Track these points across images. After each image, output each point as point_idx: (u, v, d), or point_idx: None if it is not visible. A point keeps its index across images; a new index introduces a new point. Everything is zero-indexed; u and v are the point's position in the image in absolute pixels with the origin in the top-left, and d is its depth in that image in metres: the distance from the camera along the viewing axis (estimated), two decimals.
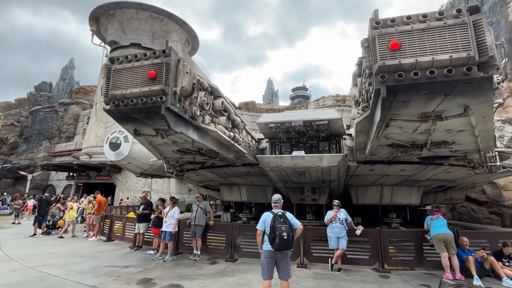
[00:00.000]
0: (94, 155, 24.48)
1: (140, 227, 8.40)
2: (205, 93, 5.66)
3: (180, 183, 26.74)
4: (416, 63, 3.36)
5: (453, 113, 4.36)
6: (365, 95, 4.56)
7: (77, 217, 15.08)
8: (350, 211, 7.46)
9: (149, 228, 8.41)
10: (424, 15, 3.51)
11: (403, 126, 5.24)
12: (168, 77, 4.35)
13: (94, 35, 30.03)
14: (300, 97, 53.07)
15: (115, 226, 10.11)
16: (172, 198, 7.73)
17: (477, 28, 3.33)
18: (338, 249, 6.21)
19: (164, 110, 4.35)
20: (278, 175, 9.73)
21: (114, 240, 9.83)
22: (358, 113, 5.27)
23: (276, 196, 4.48)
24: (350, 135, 9.83)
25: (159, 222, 7.83)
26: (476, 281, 5.36)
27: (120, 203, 20.23)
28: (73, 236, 10.63)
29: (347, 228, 6.33)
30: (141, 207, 8.65)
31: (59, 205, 12.46)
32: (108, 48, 29.80)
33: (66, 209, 11.15)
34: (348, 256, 6.53)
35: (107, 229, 10.30)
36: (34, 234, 10.45)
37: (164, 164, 11.21)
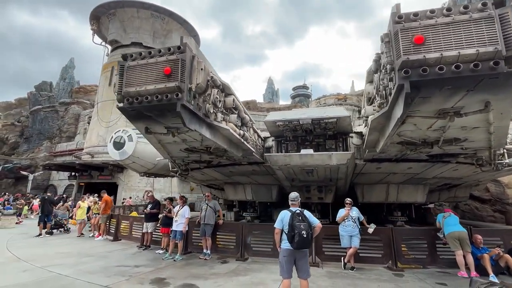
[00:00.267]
0: (96, 155, 24.40)
1: (148, 227, 8.34)
2: (218, 91, 5.59)
3: (182, 183, 26.68)
4: (441, 58, 3.30)
5: (472, 109, 4.31)
6: (383, 91, 4.49)
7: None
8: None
9: (158, 227, 8.34)
10: (448, 9, 3.45)
11: (418, 123, 5.18)
12: (183, 73, 4.28)
13: (95, 34, 29.93)
14: (301, 96, 52.93)
15: (121, 226, 10.04)
16: (182, 197, 7.66)
17: (503, 22, 3.27)
18: (350, 247, 6.16)
19: (180, 107, 4.29)
20: (286, 173, 9.68)
21: (120, 240, 9.76)
22: (374, 109, 5.20)
23: (294, 194, 4.42)
24: (356, 133, 9.78)
25: (167, 221, 7.77)
26: (493, 279, 5.31)
27: (122, 202, 20.15)
28: (79, 236, 10.57)
29: (359, 227, 6.28)
30: (149, 206, 8.58)
31: (66, 205, 12.39)
32: (109, 47, 29.70)
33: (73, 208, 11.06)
34: (360, 254, 6.48)
35: (113, 229, 10.23)
36: (40, 234, 10.38)
37: (169, 163, 11.16)
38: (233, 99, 6.40)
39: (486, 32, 3.24)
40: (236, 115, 6.78)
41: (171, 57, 4.35)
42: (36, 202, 11.91)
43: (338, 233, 6.46)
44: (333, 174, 9.60)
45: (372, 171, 10.02)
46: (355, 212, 6.35)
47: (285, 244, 4.14)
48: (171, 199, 8.31)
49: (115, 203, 21.79)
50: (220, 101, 5.78)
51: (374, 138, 6.72)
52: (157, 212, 8.61)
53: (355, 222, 6.18)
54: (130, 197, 22.02)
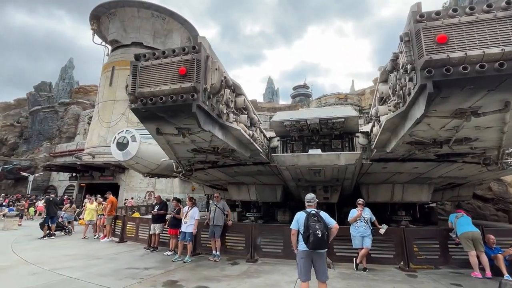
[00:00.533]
0: (97, 155, 24.27)
1: (156, 228, 8.27)
2: (230, 91, 5.54)
3: (183, 183, 26.61)
4: (465, 57, 3.26)
5: (491, 109, 4.27)
6: (400, 91, 4.44)
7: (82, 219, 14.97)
8: None
9: (165, 229, 8.28)
10: (471, 8, 3.41)
11: (432, 123, 5.14)
12: (199, 74, 4.22)
13: (95, 34, 29.76)
14: (302, 96, 52.81)
15: (127, 227, 9.97)
16: (191, 198, 7.59)
17: None
18: (362, 248, 6.12)
19: (196, 108, 4.23)
20: (292, 173, 9.63)
21: (126, 241, 9.69)
22: (389, 109, 5.16)
23: (310, 195, 4.38)
24: (362, 132, 9.75)
25: (175, 222, 7.71)
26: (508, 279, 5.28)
27: (124, 203, 20.06)
28: (84, 237, 10.50)
29: (371, 227, 6.24)
30: (156, 207, 8.51)
31: (74, 206, 12.30)
32: (109, 47, 29.54)
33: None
34: (372, 255, 6.44)
35: (118, 230, 10.16)
36: (44, 236, 10.29)
37: (174, 163, 11.09)
38: (244, 99, 6.35)
39: None
40: (246, 116, 6.73)
41: (186, 57, 4.29)
42: (41, 204, 11.80)
43: (349, 233, 6.42)
44: (341, 174, 9.56)
45: (378, 171, 9.99)
46: (367, 213, 6.31)
47: (302, 246, 4.11)
48: (179, 200, 8.23)
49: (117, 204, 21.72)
50: (232, 101, 5.73)
51: (385, 138, 6.68)
52: (165, 213, 8.54)
53: (367, 223, 6.14)
54: (132, 198, 21.93)
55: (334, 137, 9.93)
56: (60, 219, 11.39)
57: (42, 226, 10.40)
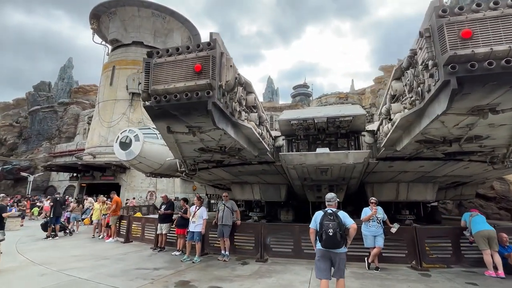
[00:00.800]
0: (98, 155, 24.13)
1: (163, 228, 8.18)
2: (242, 88, 5.47)
3: (185, 183, 26.54)
4: (491, 52, 3.20)
5: (510, 106, 4.22)
6: (418, 88, 4.38)
7: (83, 219, 14.86)
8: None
9: (172, 229, 8.20)
10: (496, 2, 3.36)
11: (446, 121, 5.09)
12: (214, 70, 4.15)
13: (95, 34, 29.61)
14: (302, 95, 52.72)
15: (132, 227, 9.88)
16: (199, 197, 7.52)
17: None
18: (374, 247, 6.06)
19: (211, 105, 4.16)
20: (299, 172, 9.58)
21: (132, 242, 9.60)
22: (405, 107, 5.10)
23: (330, 195, 4.33)
24: (368, 131, 9.70)
25: (183, 222, 7.63)
26: None
27: (126, 203, 19.95)
28: (93, 237, 10.44)
29: (383, 226, 6.18)
30: (163, 207, 8.42)
31: (81, 206, 12.21)
32: (110, 46, 29.39)
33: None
34: (383, 254, 6.38)
35: (123, 230, 10.07)
36: (49, 236, 10.20)
37: (178, 163, 11.01)
38: (254, 97, 6.28)
39: None
40: (256, 114, 6.66)
41: (201, 53, 4.21)
42: (47, 204, 11.70)
43: (360, 232, 6.36)
44: (348, 173, 9.52)
45: (384, 170, 9.96)
46: (380, 212, 6.25)
47: (318, 244, 4.12)
48: (186, 200, 8.15)
49: None
50: (244, 99, 5.66)
51: (396, 136, 6.63)
52: (172, 213, 8.46)
53: (380, 223, 6.08)
54: (134, 198, 21.83)
55: (340, 136, 9.89)
56: (63, 220, 11.30)
57: (45, 226, 10.29)
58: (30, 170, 30.87)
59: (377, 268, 5.99)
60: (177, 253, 7.58)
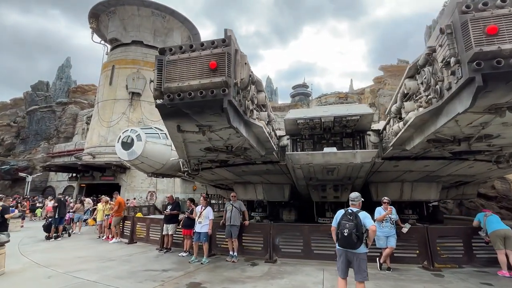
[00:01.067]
0: (97, 155, 23.92)
1: (169, 228, 8.07)
2: (254, 87, 5.38)
3: (185, 183, 26.38)
4: None
5: None
6: (436, 86, 4.31)
7: (86, 219, 14.72)
8: (368, 208, 7.28)
9: (179, 229, 8.08)
10: None
11: (460, 119, 5.02)
12: (230, 68, 4.05)
13: (94, 33, 29.37)
14: (301, 95, 52.66)
15: (136, 228, 9.75)
16: (205, 197, 7.41)
17: None
18: (386, 248, 6.00)
19: (227, 103, 4.06)
20: (305, 172, 9.50)
21: (136, 242, 9.47)
22: (420, 105, 5.03)
23: (354, 194, 4.29)
24: (374, 130, 9.65)
25: (189, 222, 7.52)
26: None
27: (126, 203, 19.76)
28: (99, 237, 10.33)
29: (395, 226, 6.12)
30: (168, 207, 8.31)
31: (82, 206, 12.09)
32: (109, 46, 29.16)
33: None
34: (394, 254, 6.32)
35: (127, 231, 9.94)
36: (51, 237, 10.05)
37: (181, 163, 10.89)
38: (265, 96, 6.19)
39: None
40: (266, 113, 6.57)
41: (216, 50, 4.11)
42: (50, 204, 11.57)
43: None
44: (354, 172, 9.46)
45: (389, 169, 9.92)
46: (394, 212, 6.18)
47: (337, 243, 4.12)
48: (193, 200, 8.03)
49: None
50: (255, 97, 5.57)
51: (407, 135, 6.57)
52: (177, 213, 8.35)
53: (393, 223, 6.02)
54: (134, 198, 21.66)
55: (345, 136, 9.83)
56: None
57: (48, 227, 10.13)
58: (28, 171, 30.57)
59: (389, 268, 5.93)
60: (184, 254, 7.47)
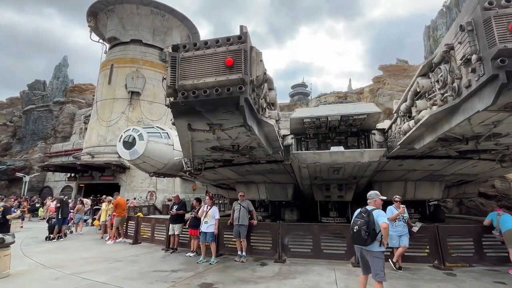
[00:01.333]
0: (96, 155, 23.70)
1: (175, 228, 7.98)
2: (266, 84, 5.31)
3: (184, 182, 26.24)
4: None
5: None
6: (453, 84, 4.27)
7: (86, 219, 14.57)
8: None
9: (185, 229, 8.00)
10: None
11: (473, 118, 4.98)
12: (246, 65, 3.98)
13: (92, 32, 29.09)
14: (300, 94, 52.62)
15: (141, 228, 9.64)
16: (211, 197, 7.34)
17: None
18: (398, 247, 5.96)
19: (243, 101, 3.99)
20: (311, 171, 9.46)
21: (140, 243, 9.37)
22: (435, 103, 4.99)
23: (370, 192, 4.32)
24: (378, 129, 9.62)
25: (196, 222, 7.44)
26: None
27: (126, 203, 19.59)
28: (102, 238, 10.26)
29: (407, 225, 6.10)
30: (174, 207, 8.21)
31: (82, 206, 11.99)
32: (107, 45, 28.90)
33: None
34: (404, 253, 6.29)
35: (131, 231, 9.83)
36: (53, 238, 9.92)
37: (184, 162, 10.79)
38: (275, 94, 6.13)
39: None
40: (276, 111, 6.51)
41: (232, 47, 4.04)
42: (52, 204, 11.44)
43: None
44: (361, 171, 9.43)
45: (394, 168, 9.90)
46: (405, 211, 6.15)
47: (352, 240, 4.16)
48: (199, 200, 7.95)
49: None
50: (267, 95, 5.51)
51: (417, 134, 6.54)
52: (184, 213, 8.26)
53: (405, 222, 5.99)
54: (135, 198, 21.50)
55: (350, 135, 9.79)
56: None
57: (52, 228, 9.99)
58: (25, 171, 30.26)
59: (400, 268, 5.90)
60: (192, 254, 7.39)
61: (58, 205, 9.80)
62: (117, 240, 9.66)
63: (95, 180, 23.50)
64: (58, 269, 6.20)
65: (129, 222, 10.14)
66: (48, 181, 31.27)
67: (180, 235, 8.13)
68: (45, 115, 36.49)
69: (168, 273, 5.84)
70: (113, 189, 23.26)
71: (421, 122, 5.58)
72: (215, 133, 5.65)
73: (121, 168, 22.79)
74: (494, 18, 3.30)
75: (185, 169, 11.21)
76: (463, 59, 3.78)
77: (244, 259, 6.80)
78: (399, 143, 7.67)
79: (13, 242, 6.04)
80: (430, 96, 5.32)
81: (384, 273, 3.95)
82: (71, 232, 11.57)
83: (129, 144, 11.09)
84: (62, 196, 10.92)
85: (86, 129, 29.66)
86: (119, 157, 21.34)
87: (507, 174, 17.08)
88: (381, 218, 4.07)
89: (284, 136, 10.22)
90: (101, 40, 29.58)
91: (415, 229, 6.26)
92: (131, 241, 9.51)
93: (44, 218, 16.70)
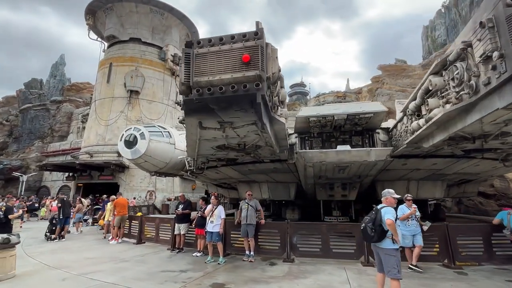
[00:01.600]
0: (95, 154, 23.47)
1: (181, 228, 7.89)
2: (279, 82, 5.25)
3: (184, 182, 26.11)
4: None
5: None
6: (470, 81, 4.24)
7: (86, 219, 14.42)
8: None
9: (192, 229, 7.91)
10: None
11: (486, 116, 4.99)
12: (263, 61, 3.92)
13: (90, 30, 28.81)
14: (299, 94, 52.65)
15: (145, 228, 9.54)
16: (216, 196, 7.26)
17: None
18: (411, 247, 5.93)
19: (260, 98, 3.92)
20: (316, 171, 9.43)
21: (144, 243, 9.26)
22: (450, 101, 4.96)
23: (385, 191, 4.24)
24: (383, 128, 9.60)
25: (203, 222, 7.36)
26: None
27: None
28: (105, 238, 10.21)
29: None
30: (180, 206, 8.12)
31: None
32: (106, 43, 28.66)
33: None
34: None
35: (134, 231, 9.72)
36: (55, 238, 9.77)
37: (186, 161, 10.70)
38: (286, 92, 6.07)
39: None
40: (285, 109, 6.45)
41: (249, 43, 3.97)
42: (54, 204, 11.28)
43: None
44: (366, 170, 9.42)
45: (397, 168, 9.89)
46: (418, 210, 6.13)
47: None
48: (206, 199, 7.87)
49: None
50: (280, 93, 5.45)
51: (427, 133, 6.52)
52: (189, 212, 8.17)
53: (418, 220, 5.96)
54: (134, 198, 21.32)
55: (355, 134, 9.76)
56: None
57: (53, 228, 9.84)
58: (21, 170, 29.90)
59: (410, 267, 5.87)
60: (198, 254, 7.31)
61: (59, 205, 9.65)
62: (119, 240, 9.54)
63: (94, 180, 23.28)
64: (64, 269, 6.09)
65: (132, 221, 10.02)
66: (45, 181, 30.95)
67: (186, 234, 8.04)
68: (42, 114, 36.13)
69: (177, 273, 5.76)
70: (112, 188, 23.10)
71: (433, 120, 5.55)
72: (225, 131, 5.58)
73: (121, 167, 22.60)
74: None
75: (187, 168, 11.12)
76: (483, 56, 3.75)
77: (252, 258, 6.74)
78: (406, 141, 7.65)
79: (18, 243, 5.93)
80: (443, 94, 5.30)
81: (398, 271, 3.95)
82: (69, 231, 11.42)
83: (130, 143, 10.97)
84: (63, 196, 10.75)
85: (83, 128, 29.38)
86: (118, 156, 21.25)
87: (506, 174, 17.21)
88: (387, 215, 4.07)
89: (288, 135, 10.17)
90: (99, 39, 29.31)
91: (425, 228, 6.24)
92: (133, 240, 9.41)
93: (44, 218, 16.55)
